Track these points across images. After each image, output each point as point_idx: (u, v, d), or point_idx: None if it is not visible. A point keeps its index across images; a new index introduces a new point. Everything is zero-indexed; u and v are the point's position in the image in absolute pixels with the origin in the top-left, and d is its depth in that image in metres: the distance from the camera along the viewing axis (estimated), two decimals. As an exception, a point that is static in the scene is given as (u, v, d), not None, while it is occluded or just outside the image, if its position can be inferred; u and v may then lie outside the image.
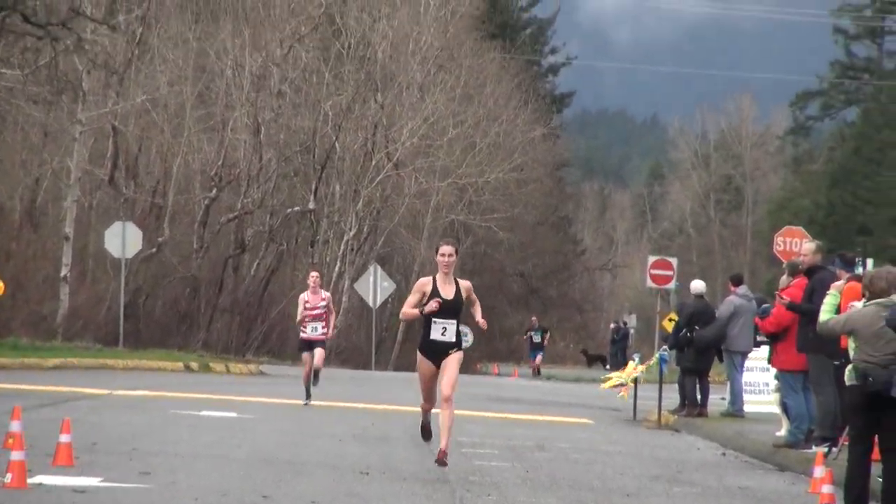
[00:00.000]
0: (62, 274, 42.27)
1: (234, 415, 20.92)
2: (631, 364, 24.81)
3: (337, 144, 52.86)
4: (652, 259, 47.27)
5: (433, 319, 14.01)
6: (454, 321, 14.07)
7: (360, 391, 29.22)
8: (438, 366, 14.11)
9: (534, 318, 59.34)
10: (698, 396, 24.92)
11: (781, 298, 18.38)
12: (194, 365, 37.28)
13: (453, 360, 14.06)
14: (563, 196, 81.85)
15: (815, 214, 73.16)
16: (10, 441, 12.76)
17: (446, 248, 14.18)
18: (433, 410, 14.74)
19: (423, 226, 56.55)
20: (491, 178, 57.92)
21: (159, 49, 49.39)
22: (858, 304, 12.79)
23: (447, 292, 13.99)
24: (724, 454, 19.27)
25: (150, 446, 15.36)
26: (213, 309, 47.48)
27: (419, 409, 14.97)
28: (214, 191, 48.56)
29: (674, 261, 46.88)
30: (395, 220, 55.05)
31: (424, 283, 14.21)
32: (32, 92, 40.33)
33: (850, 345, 12.64)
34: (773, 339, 18.90)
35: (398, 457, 15.92)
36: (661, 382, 24.88)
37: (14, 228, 44.69)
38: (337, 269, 52.80)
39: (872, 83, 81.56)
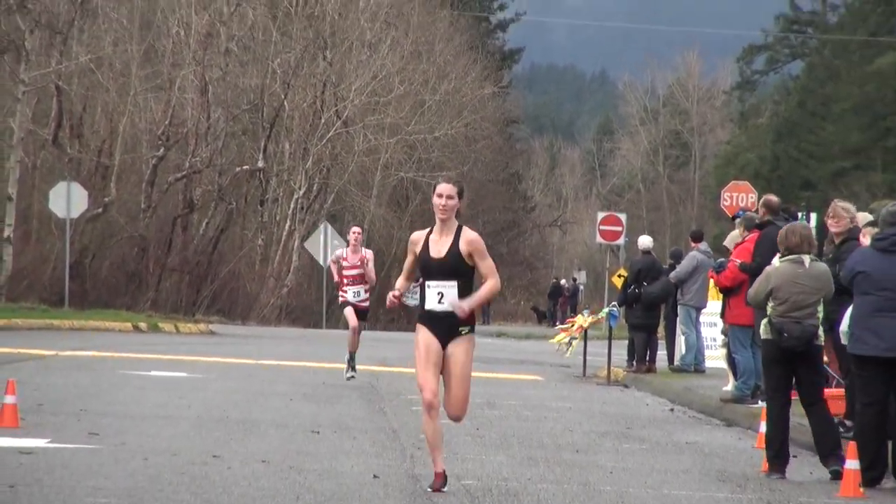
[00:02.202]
0: (6, 234, 41.90)
1: (183, 374, 20.85)
2: (580, 318, 24.86)
3: (286, 102, 52.58)
4: (601, 215, 47.39)
5: (426, 283, 10.56)
6: (453, 283, 10.47)
7: (310, 350, 29.18)
8: (443, 343, 10.57)
9: None
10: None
11: (732, 261, 18.59)
12: (143, 325, 37.08)
13: (462, 363, 10.55)
14: (512, 153, 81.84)
15: (761, 168, 73.38)
16: (-44, 404, 12.66)
17: (443, 188, 10.65)
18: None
19: (372, 183, 56.46)
20: (440, 135, 57.82)
21: (103, 7, 48.83)
22: (776, 261, 12.97)
23: (440, 248, 10.55)
24: (672, 410, 19.39)
25: (99, 407, 15.28)
26: (162, 268, 47.24)
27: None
28: (162, 150, 48.22)
29: (623, 216, 47.05)
30: (345, 177, 54.90)
31: (416, 238, 10.76)
32: (-26, 51, 39.81)
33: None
34: (727, 293, 19.04)
35: (349, 415, 15.93)
36: (610, 339, 25.00)
37: (-42, 189, 44.23)
38: (287, 227, 52.62)
39: (817, 37, 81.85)
